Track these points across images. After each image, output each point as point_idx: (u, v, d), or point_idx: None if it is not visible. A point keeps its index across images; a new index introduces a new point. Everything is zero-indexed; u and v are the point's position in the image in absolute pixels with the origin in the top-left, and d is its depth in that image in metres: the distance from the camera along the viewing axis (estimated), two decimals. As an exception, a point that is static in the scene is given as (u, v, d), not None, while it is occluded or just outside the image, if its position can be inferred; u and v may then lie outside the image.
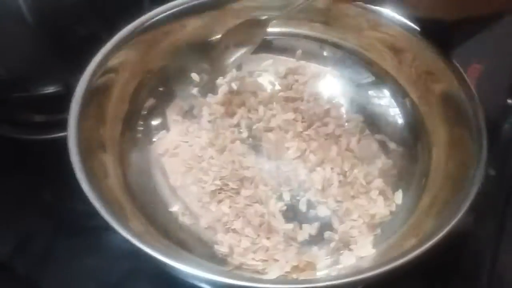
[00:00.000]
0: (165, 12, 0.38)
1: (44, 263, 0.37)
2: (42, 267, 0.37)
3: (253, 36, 0.38)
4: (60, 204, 0.42)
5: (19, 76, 0.44)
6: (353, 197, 0.36)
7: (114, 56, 0.35)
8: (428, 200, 0.34)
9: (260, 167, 0.38)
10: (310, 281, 0.30)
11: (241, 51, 0.39)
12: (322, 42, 0.42)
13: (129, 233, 0.26)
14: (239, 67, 0.42)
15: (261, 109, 0.41)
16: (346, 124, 0.40)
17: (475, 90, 0.34)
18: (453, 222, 0.28)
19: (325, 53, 0.43)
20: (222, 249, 0.33)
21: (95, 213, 0.28)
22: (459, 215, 0.28)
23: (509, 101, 0.38)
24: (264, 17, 0.38)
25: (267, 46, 0.42)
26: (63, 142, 0.31)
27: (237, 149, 0.38)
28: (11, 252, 0.38)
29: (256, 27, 0.38)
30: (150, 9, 0.39)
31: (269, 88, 0.43)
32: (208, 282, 0.27)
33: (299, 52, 0.43)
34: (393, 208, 0.36)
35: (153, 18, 0.38)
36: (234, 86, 0.42)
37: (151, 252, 0.26)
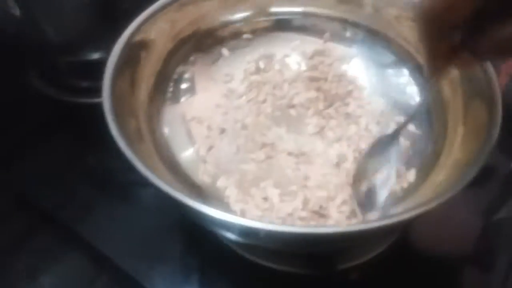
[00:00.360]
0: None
1: (85, 216, 0.41)
2: (83, 219, 0.41)
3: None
4: (98, 162, 0.46)
5: (68, 40, 0.48)
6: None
7: (147, 25, 0.37)
8: (439, 178, 0.35)
9: (280, 138, 0.40)
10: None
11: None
12: (345, 22, 0.44)
13: (166, 184, 0.28)
14: (266, 47, 0.45)
15: (285, 86, 0.43)
16: (367, 105, 0.42)
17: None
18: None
19: (348, 34, 0.44)
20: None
21: (130, 170, 0.30)
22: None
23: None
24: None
25: (293, 26, 0.44)
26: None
27: (261, 123, 0.41)
28: (55, 206, 0.41)
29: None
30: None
31: (295, 67, 0.45)
32: (237, 228, 0.29)
33: (327, 34, 0.44)
34: (405, 185, 0.37)
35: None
36: (262, 64, 0.44)
37: (182, 199, 0.27)
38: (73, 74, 0.51)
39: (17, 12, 0.45)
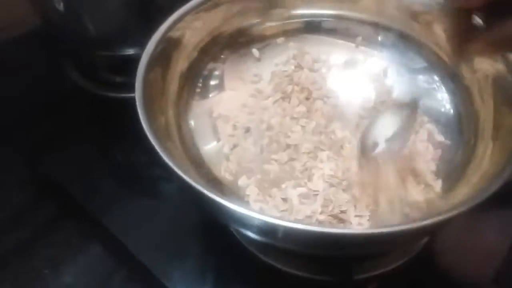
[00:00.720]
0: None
1: (109, 209, 0.42)
2: (107, 212, 0.41)
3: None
4: (126, 156, 0.47)
5: (106, 35, 0.50)
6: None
7: (180, 23, 0.38)
8: (465, 190, 0.34)
9: (306, 140, 0.40)
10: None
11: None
12: (376, 26, 0.43)
13: (190, 178, 0.28)
14: (297, 49, 0.45)
15: (313, 90, 0.43)
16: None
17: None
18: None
19: (379, 38, 0.44)
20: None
21: (156, 165, 0.31)
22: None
23: None
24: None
25: (324, 29, 0.44)
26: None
27: (286, 124, 0.41)
28: (80, 198, 0.42)
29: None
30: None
31: (323, 71, 0.44)
32: (256, 224, 0.28)
33: (359, 38, 0.44)
34: (432, 195, 0.37)
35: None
36: (291, 66, 0.44)
37: (207, 193, 0.27)
38: (109, 68, 0.53)
39: (60, 6, 0.47)
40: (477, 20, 0.27)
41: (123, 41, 0.50)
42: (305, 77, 0.44)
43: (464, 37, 0.28)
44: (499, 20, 0.25)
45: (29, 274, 0.39)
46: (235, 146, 0.40)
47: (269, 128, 0.41)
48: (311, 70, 0.45)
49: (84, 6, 0.47)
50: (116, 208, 0.42)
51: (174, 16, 0.38)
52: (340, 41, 0.44)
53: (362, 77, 0.44)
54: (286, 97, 0.43)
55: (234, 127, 0.41)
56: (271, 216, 0.26)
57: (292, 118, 0.42)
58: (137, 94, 0.32)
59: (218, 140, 0.40)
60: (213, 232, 0.39)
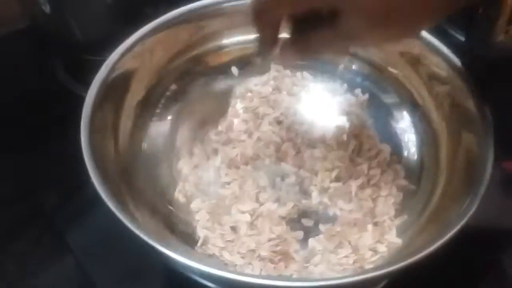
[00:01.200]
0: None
1: (76, 223, 0.43)
2: (74, 226, 0.42)
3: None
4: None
5: (92, 39, 0.51)
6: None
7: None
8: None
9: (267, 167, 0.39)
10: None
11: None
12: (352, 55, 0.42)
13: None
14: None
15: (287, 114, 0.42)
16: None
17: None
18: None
19: (354, 67, 0.43)
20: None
21: None
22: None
23: None
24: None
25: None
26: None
27: (251, 147, 0.40)
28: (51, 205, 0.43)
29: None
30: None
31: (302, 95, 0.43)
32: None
33: (341, 66, 0.43)
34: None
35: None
36: (270, 88, 0.43)
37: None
38: (95, 72, 0.53)
39: (47, 8, 0.48)
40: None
41: (109, 46, 0.50)
42: (281, 100, 0.43)
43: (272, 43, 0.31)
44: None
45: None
46: (195, 167, 0.40)
47: (233, 150, 0.40)
48: (289, 93, 0.43)
49: (71, 10, 0.48)
50: (83, 225, 0.42)
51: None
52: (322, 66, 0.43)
53: (339, 106, 0.42)
54: (257, 118, 0.42)
55: (198, 147, 0.41)
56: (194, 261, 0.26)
57: (259, 141, 0.41)
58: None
59: (178, 159, 0.40)
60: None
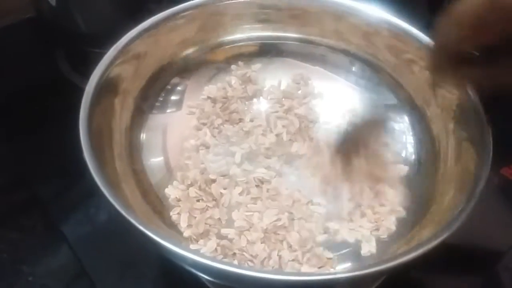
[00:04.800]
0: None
1: (70, 215, 0.43)
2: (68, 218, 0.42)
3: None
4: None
5: (95, 32, 0.51)
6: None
7: (143, 37, 0.38)
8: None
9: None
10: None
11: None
12: (351, 55, 0.42)
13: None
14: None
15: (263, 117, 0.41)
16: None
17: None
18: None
19: (354, 69, 0.42)
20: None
21: None
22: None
23: None
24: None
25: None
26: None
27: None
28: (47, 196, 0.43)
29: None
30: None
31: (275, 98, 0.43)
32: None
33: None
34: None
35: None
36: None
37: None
38: (97, 64, 0.53)
39: (53, 1, 0.48)
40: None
41: (113, 40, 0.51)
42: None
43: (454, 66, 0.29)
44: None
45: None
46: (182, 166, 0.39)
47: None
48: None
49: (76, 3, 0.49)
50: (77, 217, 0.42)
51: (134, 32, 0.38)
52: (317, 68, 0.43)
53: (333, 109, 0.42)
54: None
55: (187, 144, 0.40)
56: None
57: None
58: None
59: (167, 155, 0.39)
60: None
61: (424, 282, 0.39)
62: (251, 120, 0.41)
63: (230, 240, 0.34)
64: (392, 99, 0.40)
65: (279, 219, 0.35)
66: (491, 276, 0.38)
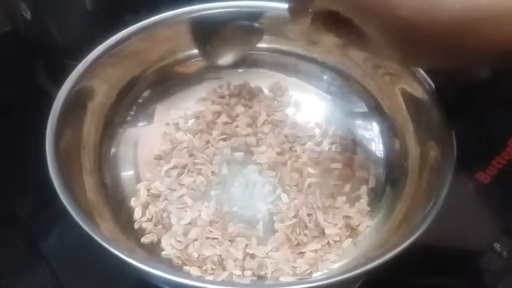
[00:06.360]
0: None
1: (51, 230, 0.43)
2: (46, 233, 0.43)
3: (247, 42, 0.41)
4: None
5: (72, 45, 0.50)
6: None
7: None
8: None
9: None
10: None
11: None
12: (321, 65, 0.42)
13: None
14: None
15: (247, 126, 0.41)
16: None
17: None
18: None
19: (325, 77, 0.42)
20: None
21: None
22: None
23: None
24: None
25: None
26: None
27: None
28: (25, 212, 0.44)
29: (251, 34, 0.40)
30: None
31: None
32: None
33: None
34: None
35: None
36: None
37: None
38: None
39: (28, 15, 0.48)
40: None
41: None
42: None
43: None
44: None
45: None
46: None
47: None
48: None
49: (51, 16, 0.49)
50: (56, 232, 0.42)
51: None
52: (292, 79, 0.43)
53: (306, 116, 0.42)
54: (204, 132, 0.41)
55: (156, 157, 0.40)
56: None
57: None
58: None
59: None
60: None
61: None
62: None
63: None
64: (362, 107, 0.40)
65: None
66: (472, 277, 0.39)
